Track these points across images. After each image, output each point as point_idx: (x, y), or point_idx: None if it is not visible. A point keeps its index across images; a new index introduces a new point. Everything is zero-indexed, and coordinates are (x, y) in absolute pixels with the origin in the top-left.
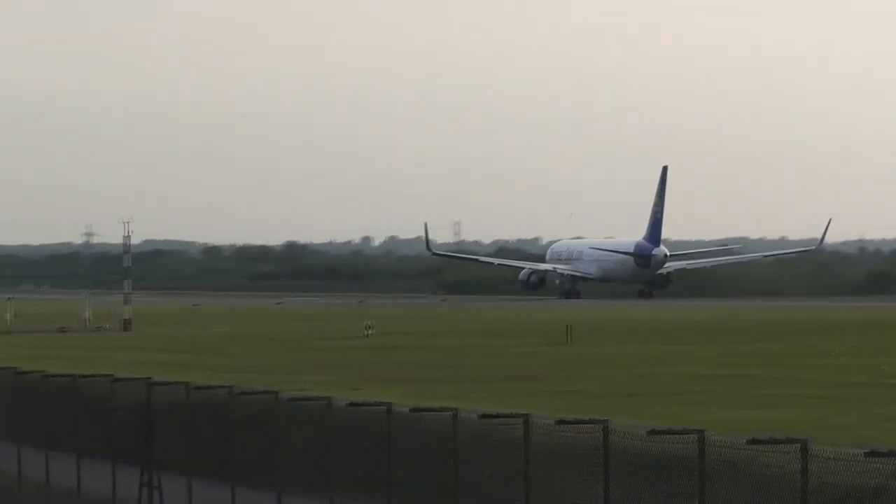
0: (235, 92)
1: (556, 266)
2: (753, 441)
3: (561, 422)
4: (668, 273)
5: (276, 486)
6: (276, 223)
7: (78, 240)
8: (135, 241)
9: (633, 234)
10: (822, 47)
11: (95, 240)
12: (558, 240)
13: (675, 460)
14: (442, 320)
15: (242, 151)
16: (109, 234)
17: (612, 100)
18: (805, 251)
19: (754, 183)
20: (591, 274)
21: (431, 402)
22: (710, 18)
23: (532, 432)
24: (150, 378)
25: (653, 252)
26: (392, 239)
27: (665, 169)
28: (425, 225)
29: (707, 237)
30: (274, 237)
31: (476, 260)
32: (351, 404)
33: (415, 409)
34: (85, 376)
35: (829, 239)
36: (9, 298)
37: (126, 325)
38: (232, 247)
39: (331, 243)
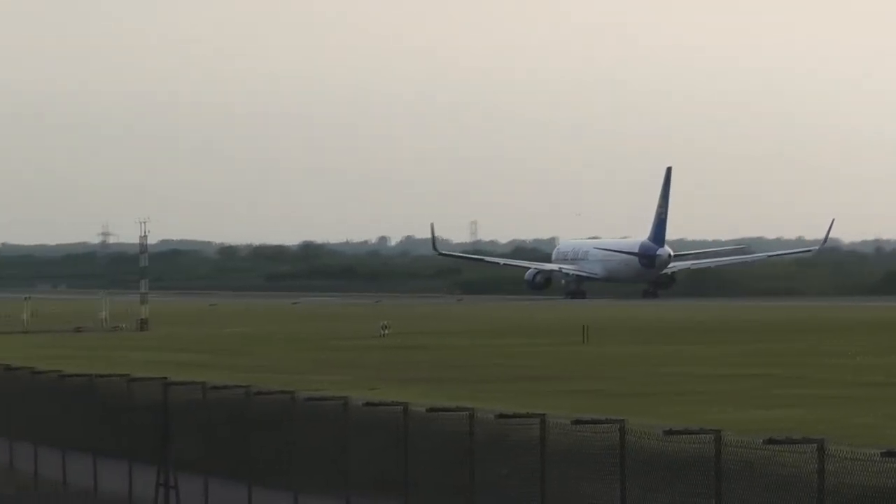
0: (235, 92)
1: (561, 266)
2: (770, 441)
3: (577, 422)
4: (673, 273)
5: (292, 485)
6: (293, 223)
7: (94, 240)
8: (151, 240)
9: (643, 234)
10: (822, 47)
11: (112, 240)
12: (572, 239)
13: (691, 460)
14: (458, 320)
15: (244, 151)
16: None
17: (613, 100)
18: (807, 251)
19: (754, 183)
20: (596, 274)
21: (448, 402)
22: (710, 18)
23: (548, 432)
24: (166, 378)
25: (657, 252)
26: (408, 239)
27: (669, 170)
28: (431, 225)
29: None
30: (290, 237)
31: (482, 260)
32: (367, 404)
33: (431, 409)
34: (102, 376)
35: (846, 238)
36: (25, 298)
37: (143, 324)
38: (248, 247)
39: (347, 243)
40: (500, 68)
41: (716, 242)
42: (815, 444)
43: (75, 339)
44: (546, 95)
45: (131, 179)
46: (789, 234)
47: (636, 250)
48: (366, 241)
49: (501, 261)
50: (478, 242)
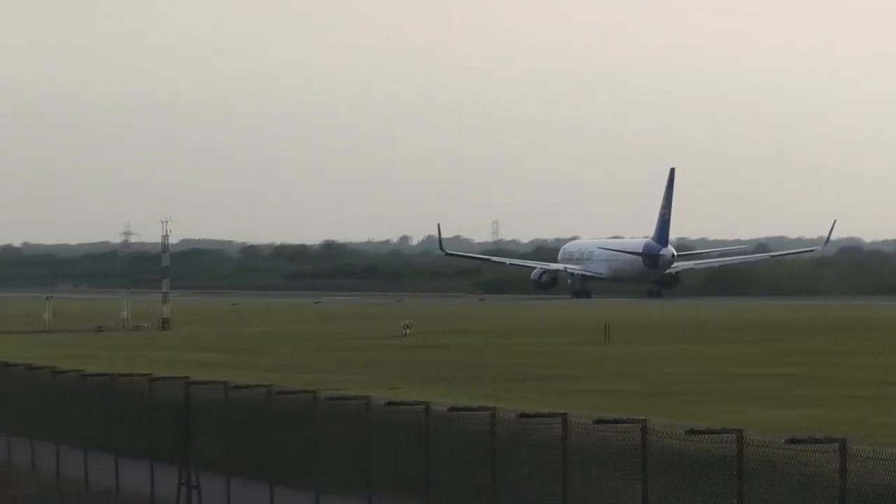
0: (235, 92)
1: (567, 266)
2: (792, 440)
3: (599, 421)
4: (677, 272)
5: (314, 485)
6: (314, 223)
7: (116, 239)
8: (173, 240)
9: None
10: (822, 47)
11: (133, 239)
12: (595, 239)
13: (713, 460)
14: (480, 319)
15: (244, 151)
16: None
17: (613, 100)
18: (809, 251)
19: (755, 183)
20: (601, 274)
21: (469, 402)
22: (710, 18)
23: (570, 432)
24: (188, 377)
25: (661, 252)
26: (430, 238)
27: (672, 171)
28: (438, 226)
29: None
30: (312, 237)
31: (488, 260)
32: (389, 403)
33: (453, 409)
34: (123, 375)
35: (868, 238)
36: (47, 298)
37: (164, 324)
38: (270, 246)
39: (369, 243)
40: (500, 68)
41: (735, 241)
42: (838, 444)
43: (97, 338)
44: (546, 95)
45: (153, 180)
46: (799, 233)
47: (640, 250)
48: (387, 241)
49: (507, 261)
50: (499, 242)
